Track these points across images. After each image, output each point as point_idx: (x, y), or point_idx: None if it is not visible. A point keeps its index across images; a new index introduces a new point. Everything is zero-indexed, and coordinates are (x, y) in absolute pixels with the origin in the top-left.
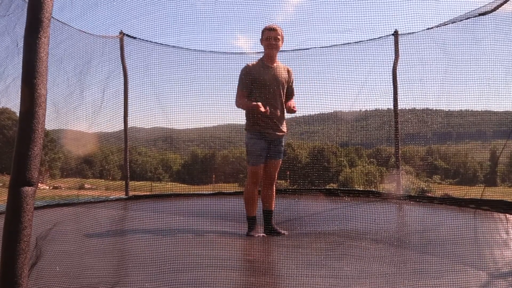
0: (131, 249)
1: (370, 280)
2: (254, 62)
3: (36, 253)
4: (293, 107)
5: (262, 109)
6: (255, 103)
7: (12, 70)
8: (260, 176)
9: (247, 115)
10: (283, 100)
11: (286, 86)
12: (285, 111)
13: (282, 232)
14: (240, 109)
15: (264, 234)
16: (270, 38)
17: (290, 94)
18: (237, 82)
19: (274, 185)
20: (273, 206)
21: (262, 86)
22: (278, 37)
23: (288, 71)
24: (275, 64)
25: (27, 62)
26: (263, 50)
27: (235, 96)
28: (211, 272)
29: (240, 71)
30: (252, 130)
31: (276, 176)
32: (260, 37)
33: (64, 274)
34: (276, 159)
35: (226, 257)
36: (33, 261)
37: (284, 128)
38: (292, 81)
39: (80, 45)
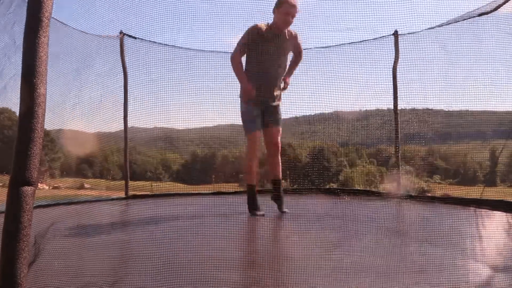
0: (130, 248)
1: (370, 274)
2: (264, 25)
3: (35, 251)
4: (286, 84)
5: (249, 94)
6: (246, 85)
7: (9, 69)
8: (258, 143)
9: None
10: (285, 69)
11: (288, 55)
12: (281, 82)
13: (285, 210)
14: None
15: (264, 213)
16: (289, 14)
17: (297, 57)
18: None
19: (279, 154)
20: (280, 174)
21: (264, 54)
22: (296, 13)
23: (295, 37)
24: (282, 33)
25: (26, 62)
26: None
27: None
28: (211, 271)
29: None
30: (245, 98)
31: (280, 143)
32: (276, 5)
33: (63, 273)
34: (275, 126)
35: (226, 256)
36: (32, 259)
37: (280, 98)
38: (299, 45)
39: (80, 45)
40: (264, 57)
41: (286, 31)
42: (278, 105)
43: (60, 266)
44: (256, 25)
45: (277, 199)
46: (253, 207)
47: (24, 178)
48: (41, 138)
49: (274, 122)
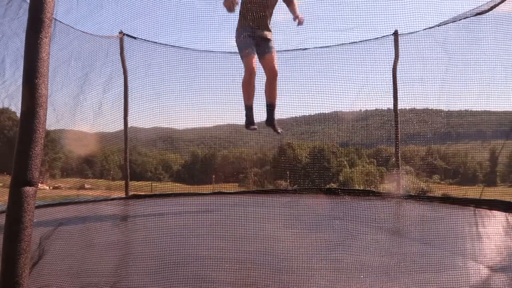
0: (131, 248)
1: (371, 273)
2: None
3: (39, 252)
4: (301, 18)
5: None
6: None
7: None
8: (254, 66)
9: (240, 13)
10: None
11: None
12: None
13: (279, 130)
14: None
15: (256, 127)
16: None
17: None
18: None
19: (277, 79)
20: (275, 100)
21: None
22: None
23: None
24: None
25: (28, 62)
26: None
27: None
28: (211, 270)
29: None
30: (243, 26)
31: (276, 68)
32: None
33: (64, 273)
34: (269, 53)
35: (226, 255)
36: (35, 260)
37: (271, 32)
38: None
39: (79, 45)
40: None
41: None
42: (270, 38)
43: (62, 266)
44: None
45: (272, 124)
46: (249, 123)
47: (25, 178)
48: (43, 138)
49: (268, 50)
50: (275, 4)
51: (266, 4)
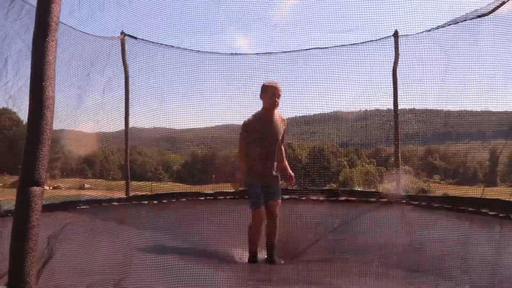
0: (133, 247)
1: (371, 273)
2: (251, 118)
3: (48, 252)
4: (290, 175)
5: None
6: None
7: (24, 72)
8: (263, 216)
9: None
10: (279, 148)
11: (282, 135)
12: (277, 157)
13: (281, 262)
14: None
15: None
16: (275, 96)
17: (282, 140)
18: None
19: (277, 222)
20: (276, 238)
21: (260, 139)
22: (280, 94)
23: (284, 121)
24: (273, 117)
25: (35, 65)
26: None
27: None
28: (211, 270)
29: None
30: (250, 179)
31: (278, 213)
32: (261, 92)
33: (69, 272)
34: (274, 200)
35: (226, 256)
36: (45, 260)
37: (278, 172)
38: (286, 131)
39: (82, 46)
40: (262, 143)
41: (276, 115)
42: (277, 177)
43: (64, 266)
44: (245, 121)
45: (272, 262)
46: (252, 261)
47: (33, 178)
48: (50, 139)
49: (274, 196)
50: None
51: (271, 143)
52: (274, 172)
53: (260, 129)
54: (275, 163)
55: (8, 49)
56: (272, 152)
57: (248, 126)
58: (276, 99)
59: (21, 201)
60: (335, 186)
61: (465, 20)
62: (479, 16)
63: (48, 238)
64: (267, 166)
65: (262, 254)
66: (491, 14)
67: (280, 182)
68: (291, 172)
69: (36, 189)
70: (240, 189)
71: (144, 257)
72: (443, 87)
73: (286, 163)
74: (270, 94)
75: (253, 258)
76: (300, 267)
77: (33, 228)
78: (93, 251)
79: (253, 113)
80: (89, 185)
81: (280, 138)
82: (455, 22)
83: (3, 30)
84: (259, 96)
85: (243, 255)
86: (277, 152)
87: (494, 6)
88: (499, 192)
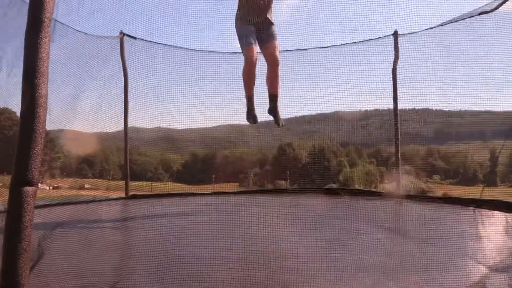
0: (131, 248)
1: (372, 273)
2: None
3: (38, 252)
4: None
5: None
6: None
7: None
8: (255, 57)
9: (239, 3)
10: None
11: None
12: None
13: (281, 123)
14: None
15: (257, 119)
16: None
17: None
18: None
19: (279, 68)
20: (278, 91)
21: None
22: None
23: None
24: None
25: (28, 62)
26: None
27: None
28: (211, 269)
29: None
30: (242, 16)
31: (278, 57)
32: None
33: (65, 273)
34: (270, 42)
35: (227, 255)
36: (35, 261)
37: (272, 19)
38: None
39: (80, 46)
40: None
41: None
42: (271, 26)
43: (62, 266)
44: None
45: (273, 114)
46: (250, 114)
47: (25, 178)
48: (43, 138)
49: (269, 38)
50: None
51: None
52: (266, 20)
53: None
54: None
55: (7, 48)
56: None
57: None
58: None
59: (13, 201)
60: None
61: (464, 19)
62: (480, 14)
63: (40, 238)
64: (260, 5)
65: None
66: (492, 12)
67: (274, 30)
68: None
69: (29, 189)
70: None
71: (142, 258)
72: (443, 86)
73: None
74: None
75: (249, 115)
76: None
77: (26, 228)
78: (88, 252)
79: None
80: (89, 185)
81: None
82: (455, 20)
83: (3, 30)
84: None
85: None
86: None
87: (496, 5)
88: (499, 192)
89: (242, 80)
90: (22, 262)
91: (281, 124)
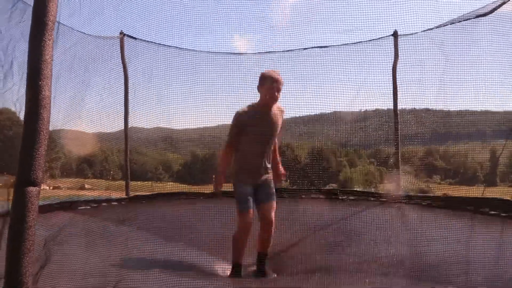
0: (132, 248)
1: (370, 273)
2: (246, 109)
3: (46, 254)
4: (281, 173)
5: (217, 187)
6: (218, 180)
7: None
8: (250, 223)
9: (233, 164)
10: (273, 143)
11: (278, 130)
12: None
13: (273, 275)
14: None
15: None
16: (274, 89)
17: (279, 133)
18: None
19: (272, 229)
20: (268, 248)
21: (254, 137)
22: (280, 87)
23: (282, 112)
24: (271, 112)
25: (32, 65)
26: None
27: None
28: (211, 270)
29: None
30: (237, 178)
31: (273, 219)
32: (259, 82)
33: (66, 274)
34: (268, 202)
35: (226, 256)
36: (43, 263)
37: (270, 172)
38: (284, 123)
39: (81, 47)
40: (254, 138)
41: (274, 108)
42: (270, 179)
43: (62, 267)
44: (238, 111)
45: (261, 275)
46: (237, 273)
47: (29, 178)
48: (46, 139)
49: (268, 197)
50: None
51: (266, 142)
52: (267, 168)
53: (254, 125)
54: (267, 166)
55: (13, 51)
56: (266, 151)
57: (240, 119)
58: (276, 93)
59: (17, 201)
60: (335, 186)
61: (464, 20)
62: (479, 16)
63: (46, 239)
64: (259, 165)
65: (248, 266)
66: (491, 14)
67: (273, 182)
68: (282, 169)
69: (33, 189)
70: (220, 191)
71: (143, 259)
72: (442, 86)
73: (279, 158)
74: (269, 86)
75: (236, 272)
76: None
77: (30, 228)
78: (91, 253)
79: (249, 104)
80: (89, 186)
81: (275, 135)
82: (455, 21)
83: (9, 33)
84: (256, 88)
85: (225, 269)
86: (270, 150)
87: (494, 6)
88: (499, 192)
89: (232, 244)
90: (26, 261)
91: (273, 276)
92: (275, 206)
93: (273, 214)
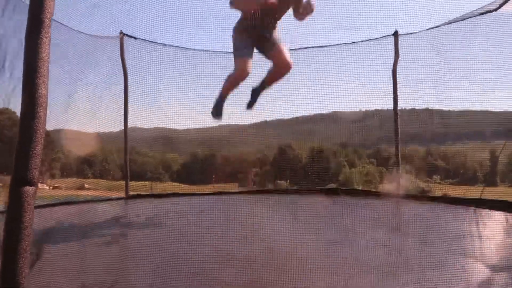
0: (130, 248)
1: (371, 272)
2: None
3: (36, 251)
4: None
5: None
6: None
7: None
8: (246, 71)
9: (243, 15)
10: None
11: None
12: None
13: (252, 108)
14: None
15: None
16: None
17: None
18: None
19: (287, 70)
20: (271, 84)
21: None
22: None
23: None
24: None
25: (28, 63)
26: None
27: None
28: (211, 270)
29: None
30: (243, 28)
31: (290, 60)
32: None
33: (63, 273)
34: (276, 46)
35: (227, 255)
36: (33, 260)
37: (275, 26)
38: None
39: (80, 46)
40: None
41: None
42: (274, 32)
43: (61, 266)
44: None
45: (256, 95)
46: (217, 113)
47: (25, 178)
48: (43, 138)
49: (274, 44)
50: (285, 10)
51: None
52: (269, 30)
53: None
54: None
55: (6, 47)
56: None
57: None
58: None
59: (13, 201)
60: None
61: (464, 19)
62: (483, 14)
63: (40, 237)
64: (265, 23)
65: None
66: (491, 13)
67: (277, 34)
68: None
69: (29, 188)
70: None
71: (141, 259)
72: (443, 86)
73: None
74: None
75: (219, 103)
76: None
77: (26, 228)
78: (88, 252)
79: None
80: (89, 185)
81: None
82: (455, 21)
83: (1, 28)
84: None
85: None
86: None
87: (497, 5)
88: (499, 192)
89: (225, 80)
90: (22, 262)
91: (252, 108)
92: (284, 48)
93: (287, 55)
